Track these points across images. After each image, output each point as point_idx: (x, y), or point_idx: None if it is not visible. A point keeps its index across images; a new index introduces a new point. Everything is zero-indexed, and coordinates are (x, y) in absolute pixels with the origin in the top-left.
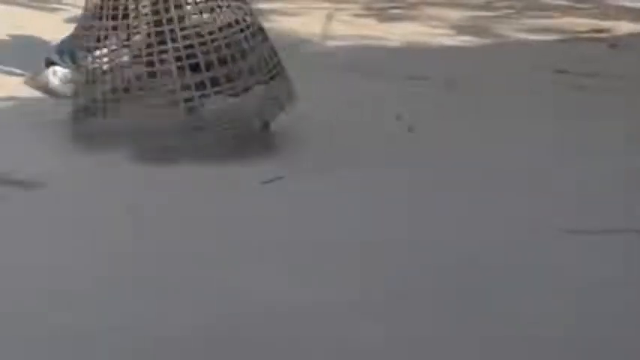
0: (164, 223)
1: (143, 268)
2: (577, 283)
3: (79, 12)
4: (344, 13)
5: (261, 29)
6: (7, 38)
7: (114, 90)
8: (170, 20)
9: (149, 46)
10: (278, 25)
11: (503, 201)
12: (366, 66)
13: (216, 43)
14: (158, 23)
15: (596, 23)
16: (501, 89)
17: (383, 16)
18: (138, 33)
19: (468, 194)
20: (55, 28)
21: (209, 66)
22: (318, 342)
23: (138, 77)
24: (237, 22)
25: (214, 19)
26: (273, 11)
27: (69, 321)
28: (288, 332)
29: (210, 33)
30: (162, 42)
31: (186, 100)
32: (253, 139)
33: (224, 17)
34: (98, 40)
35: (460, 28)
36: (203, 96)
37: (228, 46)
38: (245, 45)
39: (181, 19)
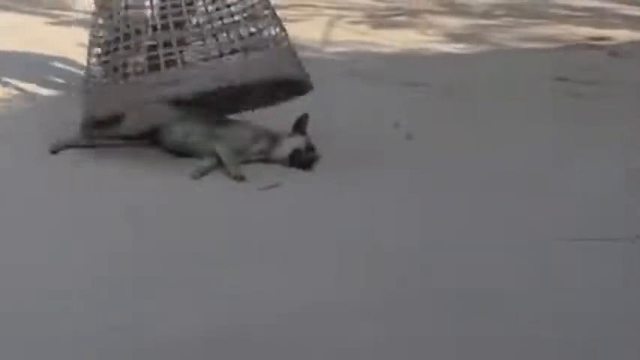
0: (164, 225)
1: (143, 268)
2: (575, 286)
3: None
4: (344, 19)
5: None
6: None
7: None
8: None
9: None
10: None
11: (503, 205)
12: (366, 72)
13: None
14: None
15: (596, 31)
16: (500, 96)
17: (383, 23)
18: None
19: (468, 199)
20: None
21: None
22: (318, 342)
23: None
24: None
25: None
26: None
27: (68, 321)
28: (288, 332)
29: None
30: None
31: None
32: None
33: None
34: None
35: (460, 36)
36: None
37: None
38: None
39: None
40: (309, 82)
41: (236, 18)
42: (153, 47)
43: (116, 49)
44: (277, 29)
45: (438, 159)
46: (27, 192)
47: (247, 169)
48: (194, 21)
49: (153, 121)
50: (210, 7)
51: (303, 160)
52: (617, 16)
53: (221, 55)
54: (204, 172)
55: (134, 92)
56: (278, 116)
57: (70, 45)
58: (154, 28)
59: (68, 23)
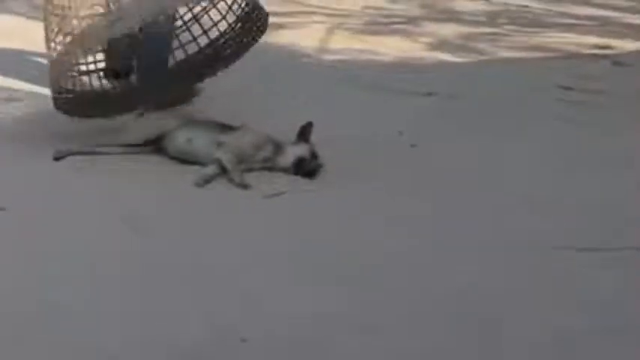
0: (166, 233)
1: (145, 274)
2: (576, 298)
3: None
4: (343, 27)
5: None
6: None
7: None
8: None
9: None
10: (277, 38)
11: (505, 214)
12: (366, 80)
13: None
14: None
15: (600, 40)
16: (503, 105)
17: (383, 31)
18: None
19: (470, 208)
20: None
21: None
22: (316, 353)
23: None
24: None
25: None
26: (272, 25)
27: (69, 322)
28: (287, 342)
29: None
30: None
31: None
32: None
33: None
34: None
35: (462, 44)
36: None
37: None
38: None
39: None
40: (264, 12)
41: None
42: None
43: (66, 16)
44: None
45: (441, 167)
46: (28, 198)
47: (251, 177)
48: None
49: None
50: None
51: (307, 168)
52: (622, 25)
53: None
54: (207, 180)
55: (86, 43)
56: (282, 124)
57: None
58: None
59: None
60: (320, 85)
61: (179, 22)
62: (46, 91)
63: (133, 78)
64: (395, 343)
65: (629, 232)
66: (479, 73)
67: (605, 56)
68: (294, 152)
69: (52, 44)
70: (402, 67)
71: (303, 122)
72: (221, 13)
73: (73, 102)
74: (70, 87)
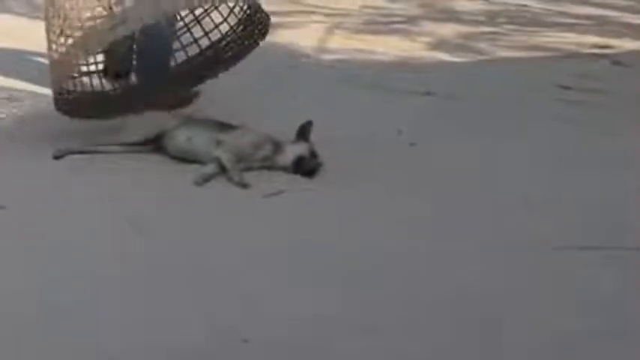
0: (166, 232)
1: (144, 273)
2: (576, 298)
3: None
4: (342, 27)
5: None
6: None
7: None
8: None
9: None
10: (276, 38)
11: (504, 213)
12: (365, 80)
13: None
14: None
15: (599, 40)
16: (502, 104)
17: (382, 30)
18: None
19: (470, 207)
20: None
21: None
22: (317, 355)
23: None
24: None
25: None
26: (271, 24)
27: (69, 322)
28: (288, 344)
29: None
30: None
31: None
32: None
33: None
34: None
35: (460, 44)
36: None
37: None
38: None
39: None
40: (263, 11)
41: None
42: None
43: (66, 18)
44: None
45: (441, 167)
46: (29, 197)
47: (250, 176)
48: None
49: (155, 128)
50: None
51: (306, 167)
52: (621, 24)
53: None
54: (206, 179)
55: (87, 45)
56: (281, 123)
57: None
58: None
59: None
60: (319, 85)
61: (180, 24)
62: (46, 91)
63: (133, 78)
64: (395, 343)
65: (628, 231)
66: (478, 72)
67: (604, 56)
68: (293, 151)
69: (54, 45)
70: (401, 67)
71: (302, 121)
72: (222, 15)
73: (74, 103)
74: (71, 88)
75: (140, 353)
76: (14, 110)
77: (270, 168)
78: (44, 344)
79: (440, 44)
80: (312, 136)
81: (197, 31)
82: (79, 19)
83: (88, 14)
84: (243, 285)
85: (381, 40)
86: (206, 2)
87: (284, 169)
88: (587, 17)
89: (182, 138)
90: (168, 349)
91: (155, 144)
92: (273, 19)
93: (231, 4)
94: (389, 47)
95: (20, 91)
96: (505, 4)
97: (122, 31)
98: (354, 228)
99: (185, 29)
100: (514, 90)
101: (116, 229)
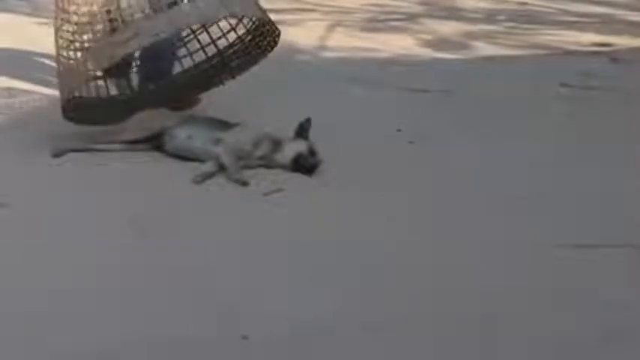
0: (165, 230)
1: (143, 272)
2: (580, 298)
3: None
4: (343, 24)
5: None
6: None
7: None
8: None
9: None
10: None
11: (504, 211)
12: (365, 77)
13: None
14: None
15: (598, 37)
16: (501, 102)
17: (382, 28)
18: None
19: (469, 205)
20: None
21: None
22: (317, 353)
23: None
24: None
25: None
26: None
27: (69, 322)
28: (287, 346)
29: None
30: None
31: None
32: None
33: None
34: None
35: (460, 41)
36: None
37: None
38: None
39: None
40: (274, 26)
41: None
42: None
43: (76, 24)
44: None
45: (440, 164)
46: (28, 195)
47: (249, 174)
48: None
49: (154, 126)
50: None
51: (305, 164)
52: (620, 22)
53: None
54: (206, 177)
55: (99, 57)
56: (281, 121)
57: None
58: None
59: None
60: (319, 83)
61: (187, 30)
62: (46, 90)
63: (134, 77)
64: (395, 342)
65: (629, 229)
66: (478, 70)
67: (604, 53)
68: (292, 149)
69: (64, 52)
70: (402, 65)
71: (301, 119)
72: (231, 25)
73: (82, 108)
74: (77, 94)
75: (141, 349)
76: (13, 109)
77: (269, 166)
78: (44, 341)
79: (440, 42)
80: (311, 134)
81: (204, 38)
82: (92, 31)
83: (100, 26)
84: (243, 283)
85: (381, 37)
86: (218, 14)
87: (283, 167)
88: (587, 15)
89: (181, 136)
90: (168, 345)
91: (154, 142)
92: (274, 17)
93: (245, 21)
94: (389, 45)
95: (19, 89)
96: (505, 2)
97: (134, 45)
98: (353, 226)
99: (192, 36)
100: (514, 88)
101: (116, 227)
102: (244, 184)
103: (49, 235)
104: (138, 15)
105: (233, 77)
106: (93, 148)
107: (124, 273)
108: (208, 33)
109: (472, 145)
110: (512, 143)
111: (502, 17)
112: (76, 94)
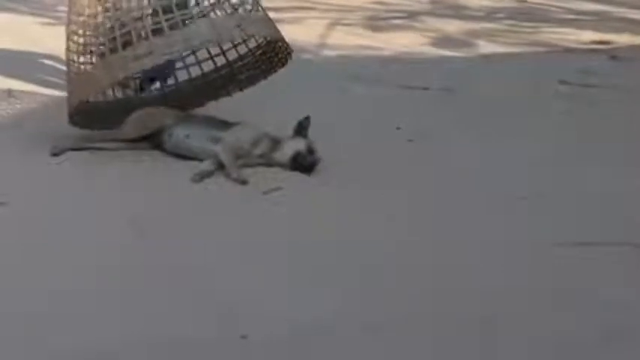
0: (164, 229)
1: (142, 271)
2: (580, 297)
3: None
4: (343, 22)
5: None
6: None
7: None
8: None
9: None
10: None
11: (503, 209)
12: (366, 75)
13: None
14: None
15: (597, 35)
16: (501, 99)
17: (382, 25)
18: None
19: (468, 203)
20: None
21: None
22: (317, 353)
23: None
24: None
25: None
26: (273, 20)
27: (69, 321)
28: (287, 346)
29: None
30: None
31: None
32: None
33: None
34: None
35: (460, 39)
36: None
37: None
38: None
39: None
40: (287, 46)
41: None
42: (124, 25)
43: (92, 34)
44: (253, 4)
45: (440, 162)
46: (27, 194)
47: (248, 172)
48: None
49: (153, 124)
50: None
51: (304, 163)
52: (619, 19)
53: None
54: (204, 175)
55: (111, 71)
56: (280, 119)
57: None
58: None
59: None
60: (319, 81)
61: None
62: (45, 89)
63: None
64: (395, 341)
65: (629, 227)
66: (478, 68)
67: (603, 51)
68: (291, 147)
69: (75, 57)
70: (402, 62)
71: (300, 117)
72: (243, 38)
73: (88, 113)
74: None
75: (141, 349)
76: (13, 107)
77: (268, 164)
78: (45, 341)
79: (440, 40)
80: (311, 132)
81: (214, 49)
82: (104, 36)
83: (111, 36)
84: (243, 283)
85: (382, 35)
86: (233, 37)
87: (282, 165)
88: (587, 12)
89: (180, 135)
90: (168, 345)
91: (153, 141)
92: (274, 15)
93: (259, 40)
94: (390, 43)
95: (19, 89)
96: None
97: (148, 63)
98: (353, 225)
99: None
100: (514, 86)
101: (114, 226)
102: (243, 182)
103: (48, 235)
104: (134, 14)
105: (241, 90)
106: (92, 147)
107: (123, 270)
108: (219, 44)
109: (472, 143)
110: (512, 141)
111: (502, 15)
112: (90, 99)
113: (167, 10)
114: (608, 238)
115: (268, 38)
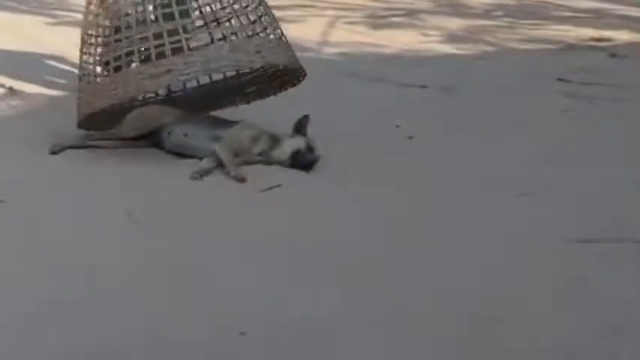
0: (163, 227)
1: (141, 269)
2: (580, 296)
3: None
4: (344, 20)
5: None
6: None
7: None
8: None
9: None
10: None
11: (505, 206)
12: (366, 73)
13: None
14: None
15: (596, 32)
16: (501, 97)
17: (383, 23)
18: None
19: (470, 200)
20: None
21: None
22: (316, 352)
23: None
24: None
25: None
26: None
27: (69, 320)
28: (287, 342)
29: None
30: None
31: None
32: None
33: None
34: None
35: (460, 37)
36: None
37: None
38: None
39: None
40: (301, 70)
41: (228, 10)
42: (144, 40)
43: (108, 44)
44: (271, 26)
45: (439, 160)
46: (26, 192)
47: (247, 170)
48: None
49: (152, 122)
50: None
51: (303, 161)
52: (618, 17)
53: (212, 42)
54: (204, 173)
55: (127, 85)
56: (278, 117)
57: (67, 45)
58: (144, 22)
59: (65, 23)
60: (319, 79)
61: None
62: (44, 88)
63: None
64: (395, 341)
65: (629, 225)
66: (477, 65)
67: (602, 48)
68: (290, 145)
69: (90, 67)
70: (402, 60)
71: (299, 115)
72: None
73: (95, 117)
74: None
75: (140, 345)
76: (12, 106)
77: (267, 162)
78: (44, 337)
79: (441, 37)
80: (310, 130)
81: None
82: (122, 54)
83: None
84: (243, 282)
85: (382, 33)
86: (253, 63)
87: (281, 163)
88: (585, 10)
89: (180, 133)
90: (167, 341)
91: (153, 139)
92: (275, 13)
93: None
94: (390, 40)
95: (19, 89)
96: None
97: (164, 83)
98: (353, 223)
99: None
100: (513, 83)
101: (114, 224)
102: (242, 180)
103: (47, 233)
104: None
105: (248, 102)
106: (91, 145)
107: (123, 268)
108: (237, 70)
109: (472, 140)
110: (512, 139)
111: (502, 13)
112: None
113: (168, 18)
114: (609, 236)
115: (288, 66)
